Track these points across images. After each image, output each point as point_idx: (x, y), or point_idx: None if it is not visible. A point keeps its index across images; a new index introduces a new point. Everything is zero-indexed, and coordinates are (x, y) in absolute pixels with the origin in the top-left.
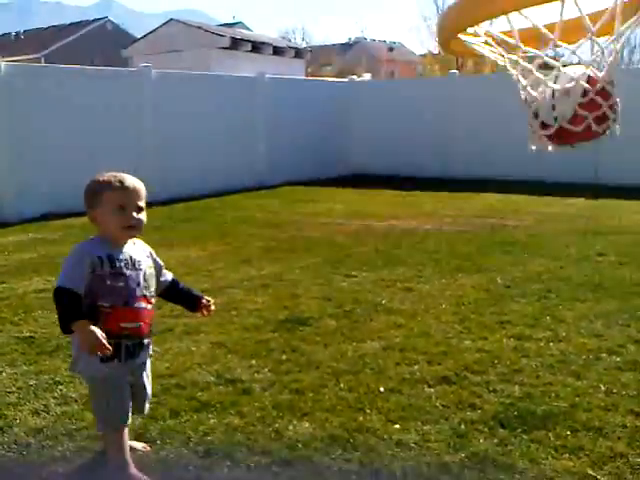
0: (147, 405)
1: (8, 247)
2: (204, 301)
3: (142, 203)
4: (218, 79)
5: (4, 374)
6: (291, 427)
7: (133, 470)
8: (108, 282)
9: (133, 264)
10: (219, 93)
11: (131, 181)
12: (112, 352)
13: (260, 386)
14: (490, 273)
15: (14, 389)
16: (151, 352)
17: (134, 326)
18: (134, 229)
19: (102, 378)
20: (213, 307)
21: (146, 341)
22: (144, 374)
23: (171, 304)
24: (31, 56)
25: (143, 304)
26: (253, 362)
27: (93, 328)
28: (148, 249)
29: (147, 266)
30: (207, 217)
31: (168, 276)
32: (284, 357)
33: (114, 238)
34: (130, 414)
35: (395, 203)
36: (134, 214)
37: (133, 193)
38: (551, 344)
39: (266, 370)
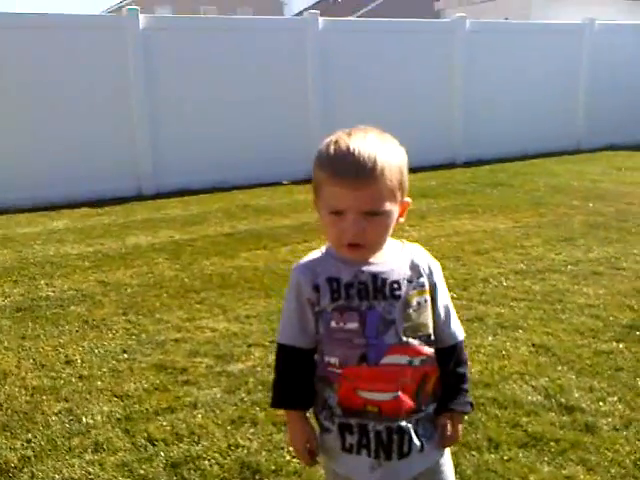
0: None
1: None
2: (448, 425)
3: (382, 204)
4: (540, 29)
5: None
6: None
7: None
8: (333, 324)
9: (380, 289)
10: (540, 45)
11: (357, 161)
12: (357, 442)
13: (609, 423)
14: None
15: None
16: (445, 451)
17: (385, 398)
18: (354, 250)
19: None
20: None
21: (414, 423)
22: None
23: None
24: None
25: (400, 358)
26: (595, 384)
27: (298, 424)
28: (425, 260)
29: (414, 292)
30: (516, 183)
31: (455, 332)
32: (637, 381)
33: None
34: None
35: None
36: (353, 222)
37: (353, 187)
38: None
39: (615, 399)
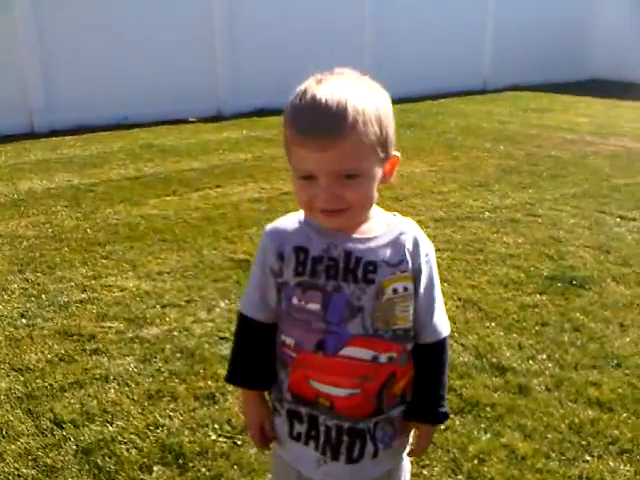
0: None
1: (222, 144)
2: (417, 444)
3: (358, 163)
4: None
5: (217, 310)
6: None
7: None
8: (295, 300)
9: (351, 269)
10: None
11: (322, 114)
12: (305, 432)
13: (540, 383)
14: None
15: (228, 333)
16: (403, 459)
17: (339, 394)
18: (330, 216)
19: (277, 463)
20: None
21: (371, 426)
22: None
23: None
24: None
25: (363, 352)
26: (524, 340)
27: (251, 404)
28: (414, 240)
29: (392, 277)
30: (428, 124)
31: (438, 327)
32: (565, 338)
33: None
34: None
35: None
36: (325, 186)
37: (320, 147)
38: None
39: (544, 357)
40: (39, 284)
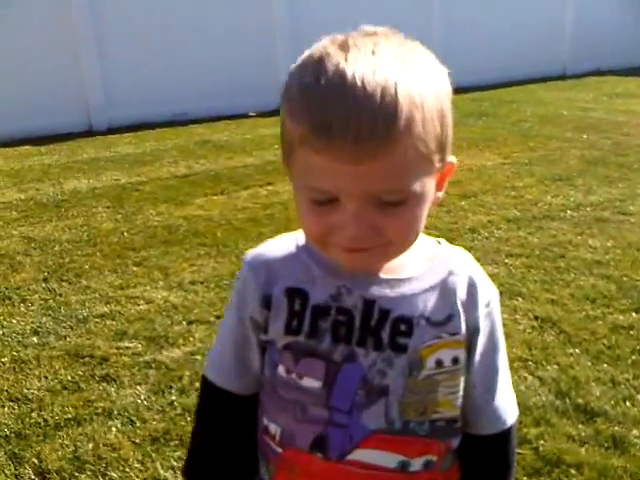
0: None
1: (279, 139)
2: None
3: (408, 183)
4: None
5: None
6: None
7: None
8: (281, 370)
9: (374, 329)
10: None
11: (361, 106)
12: None
13: None
14: None
15: None
16: None
17: None
18: (356, 256)
19: None
20: None
21: None
22: None
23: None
24: None
25: (386, 457)
26: (617, 374)
27: None
28: (469, 283)
29: (436, 343)
30: (502, 112)
31: (502, 412)
32: None
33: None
34: None
35: None
36: (354, 216)
37: (355, 159)
38: None
39: None
40: (61, 295)
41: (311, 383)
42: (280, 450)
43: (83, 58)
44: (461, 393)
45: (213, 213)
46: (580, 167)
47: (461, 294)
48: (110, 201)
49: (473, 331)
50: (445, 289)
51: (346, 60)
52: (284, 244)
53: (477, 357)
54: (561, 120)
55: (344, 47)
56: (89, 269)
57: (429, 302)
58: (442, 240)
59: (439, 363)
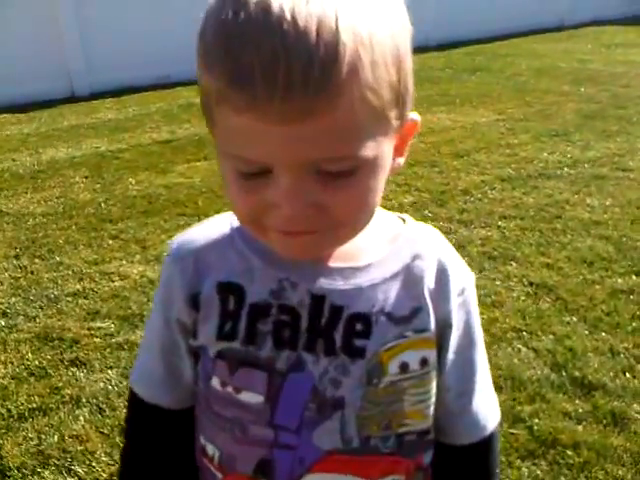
0: None
1: None
2: None
3: (355, 146)
4: None
5: None
6: None
7: None
8: (215, 383)
9: (325, 330)
10: None
11: (286, 51)
12: None
13: None
14: None
15: None
16: None
17: None
18: (294, 240)
19: None
20: None
21: None
22: None
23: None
24: None
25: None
26: (617, 343)
27: None
28: (438, 267)
29: (399, 343)
30: (496, 66)
31: (481, 417)
32: None
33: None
34: None
35: None
36: (290, 189)
37: (286, 116)
38: None
39: None
40: (33, 272)
41: (251, 398)
42: (220, 476)
43: (62, 22)
44: (433, 400)
45: (195, 180)
46: (577, 121)
47: (429, 282)
48: (89, 170)
49: (444, 326)
50: (409, 277)
51: None
52: (217, 228)
53: (450, 355)
54: (558, 73)
55: None
56: (63, 244)
57: (390, 294)
58: (407, 216)
59: (404, 367)
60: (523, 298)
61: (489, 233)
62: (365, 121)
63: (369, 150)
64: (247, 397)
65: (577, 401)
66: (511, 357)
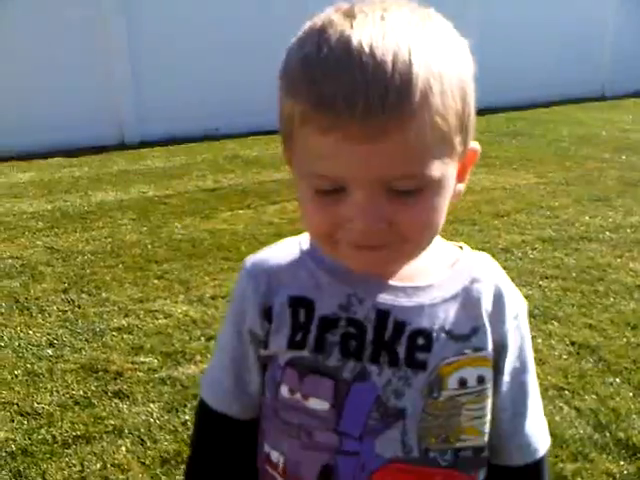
0: None
1: None
2: None
3: (425, 166)
4: None
5: None
6: None
7: None
8: (284, 391)
9: (388, 343)
10: None
11: (371, 76)
12: None
13: None
14: None
15: None
16: None
17: None
18: (367, 255)
19: None
20: None
21: None
22: None
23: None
24: None
25: None
26: None
27: None
28: (495, 292)
29: (458, 360)
30: (537, 132)
31: (533, 441)
32: None
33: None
34: None
35: None
36: (364, 205)
37: (364, 136)
38: None
39: None
40: (80, 307)
41: (318, 404)
42: None
43: (118, 77)
44: (488, 417)
45: (238, 227)
46: (619, 188)
47: (487, 305)
48: (136, 213)
49: (501, 347)
50: (468, 299)
51: (352, 27)
52: (287, 249)
53: (506, 377)
54: (599, 140)
55: (349, 14)
56: (110, 281)
57: (450, 313)
58: (464, 244)
59: (462, 383)
60: (565, 357)
61: (530, 292)
62: (433, 143)
63: (435, 170)
64: (314, 404)
65: (622, 462)
66: (552, 415)
